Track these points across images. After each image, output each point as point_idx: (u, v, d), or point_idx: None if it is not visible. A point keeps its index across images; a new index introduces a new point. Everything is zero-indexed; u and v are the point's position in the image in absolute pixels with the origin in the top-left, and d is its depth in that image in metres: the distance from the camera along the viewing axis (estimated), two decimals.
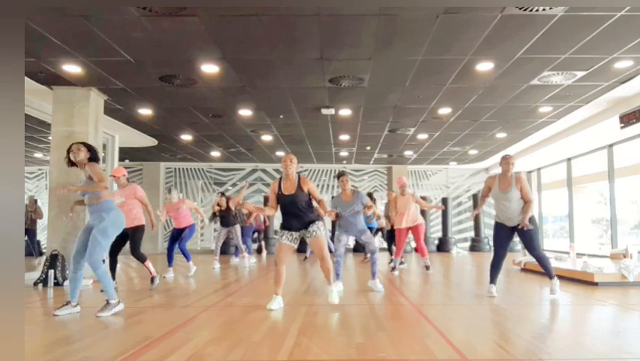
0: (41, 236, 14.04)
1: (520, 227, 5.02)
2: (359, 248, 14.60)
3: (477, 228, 15.17)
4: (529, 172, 15.97)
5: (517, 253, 12.08)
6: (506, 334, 3.52)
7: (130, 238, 5.88)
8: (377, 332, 3.50)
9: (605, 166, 11.17)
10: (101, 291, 5.35)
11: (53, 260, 6.49)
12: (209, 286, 6.44)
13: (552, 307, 4.85)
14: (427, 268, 8.01)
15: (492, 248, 5.27)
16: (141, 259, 6.02)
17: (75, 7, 4.61)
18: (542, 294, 5.82)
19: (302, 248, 14.23)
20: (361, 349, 3.03)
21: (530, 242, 5.13)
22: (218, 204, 9.26)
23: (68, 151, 4.39)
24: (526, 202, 5.05)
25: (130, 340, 3.32)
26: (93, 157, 4.39)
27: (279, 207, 4.67)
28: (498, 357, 2.85)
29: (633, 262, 6.47)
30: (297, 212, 4.54)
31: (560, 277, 6.87)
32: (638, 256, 7.74)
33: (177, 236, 7.88)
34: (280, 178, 4.63)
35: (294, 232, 4.61)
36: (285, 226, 4.63)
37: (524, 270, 8.10)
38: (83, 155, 4.32)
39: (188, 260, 7.98)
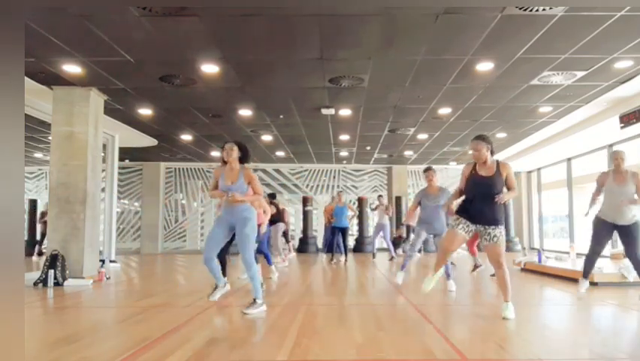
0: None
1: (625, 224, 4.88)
2: (359, 248, 14.61)
3: None
4: (529, 172, 15.97)
5: (517, 253, 12.09)
6: (506, 334, 3.52)
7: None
8: (377, 332, 3.50)
9: (605, 166, 11.16)
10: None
11: (53, 260, 6.48)
12: (210, 286, 6.43)
13: (552, 307, 4.85)
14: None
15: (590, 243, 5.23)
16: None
17: (75, 7, 4.61)
18: (542, 294, 5.82)
19: (303, 250, 14.31)
20: (361, 349, 3.03)
21: (634, 243, 4.90)
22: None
23: (222, 149, 4.38)
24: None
25: (130, 340, 3.32)
26: (244, 158, 4.38)
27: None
28: (498, 357, 2.85)
29: None
30: (488, 202, 3.95)
31: (560, 277, 6.89)
32: None
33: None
34: (475, 164, 4.28)
35: (471, 224, 4.01)
36: (467, 213, 4.02)
37: (524, 270, 8.11)
38: (235, 154, 4.32)
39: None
